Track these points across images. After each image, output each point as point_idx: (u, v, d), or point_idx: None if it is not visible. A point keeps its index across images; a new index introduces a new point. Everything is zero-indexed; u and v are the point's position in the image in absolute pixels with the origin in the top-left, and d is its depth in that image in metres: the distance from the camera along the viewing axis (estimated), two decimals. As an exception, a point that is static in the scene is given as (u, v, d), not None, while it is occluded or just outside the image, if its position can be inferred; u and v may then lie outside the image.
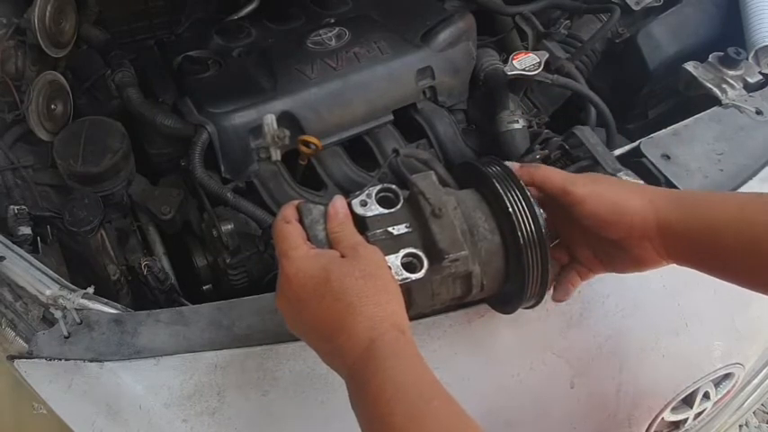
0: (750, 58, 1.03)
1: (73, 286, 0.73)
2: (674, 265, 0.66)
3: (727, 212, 0.61)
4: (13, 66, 0.90)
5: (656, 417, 0.83)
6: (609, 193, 0.65)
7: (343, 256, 0.58)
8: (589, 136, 0.87)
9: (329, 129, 0.95)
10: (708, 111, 0.95)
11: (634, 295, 0.79)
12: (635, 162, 0.88)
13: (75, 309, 0.71)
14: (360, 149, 0.99)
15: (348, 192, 0.66)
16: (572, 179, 0.67)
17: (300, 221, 0.63)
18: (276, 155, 0.88)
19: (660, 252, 0.64)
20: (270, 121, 0.85)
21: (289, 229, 0.61)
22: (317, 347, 0.59)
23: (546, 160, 0.93)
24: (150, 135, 0.95)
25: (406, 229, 0.63)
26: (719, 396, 0.88)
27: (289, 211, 0.63)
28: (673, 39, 1.13)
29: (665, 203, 0.63)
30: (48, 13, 0.87)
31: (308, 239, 0.62)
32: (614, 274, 0.73)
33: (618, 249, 0.66)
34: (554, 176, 0.67)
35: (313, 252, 0.59)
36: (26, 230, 0.80)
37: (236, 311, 0.73)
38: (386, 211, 0.64)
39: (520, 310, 0.70)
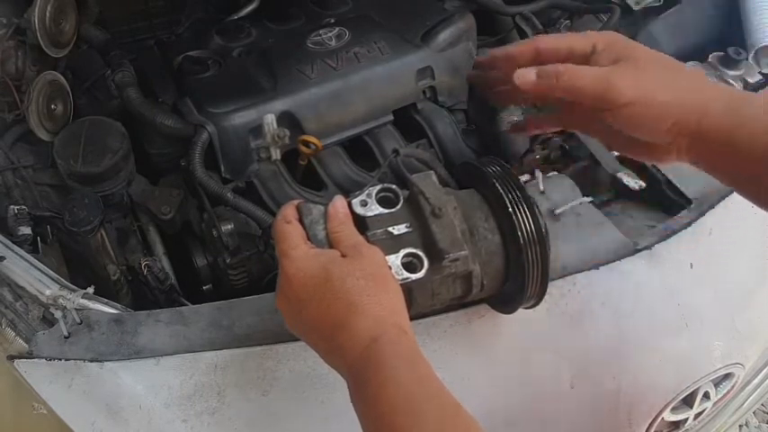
0: (750, 58, 1.03)
1: (73, 286, 0.73)
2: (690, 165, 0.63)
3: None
4: (13, 66, 0.90)
5: (656, 417, 0.83)
6: (660, 100, 0.59)
7: (343, 256, 0.58)
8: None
9: (329, 129, 0.95)
10: (708, 111, 0.95)
11: (634, 295, 0.79)
12: (635, 162, 0.87)
13: (75, 309, 0.71)
14: (360, 149, 0.99)
15: (348, 192, 0.66)
16: (612, 80, 0.59)
17: (300, 221, 0.63)
18: (276, 155, 0.88)
19: (681, 154, 0.61)
20: (270, 120, 0.85)
21: (289, 229, 0.61)
22: (317, 347, 0.59)
23: (546, 160, 0.93)
24: (150, 135, 0.95)
25: (406, 229, 0.63)
26: (719, 396, 0.88)
27: (289, 210, 0.63)
28: (673, 39, 1.13)
29: (715, 112, 0.58)
30: (48, 13, 0.87)
31: (308, 239, 0.62)
32: (613, 273, 0.73)
33: (637, 141, 0.63)
34: (588, 82, 0.59)
35: (313, 252, 0.59)
36: (26, 230, 0.80)
37: (236, 311, 0.73)
38: (386, 210, 0.64)
39: (520, 310, 0.70)
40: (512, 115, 0.99)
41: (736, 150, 0.58)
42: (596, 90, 0.59)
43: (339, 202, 0.63)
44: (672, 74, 0.61)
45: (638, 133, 0.61)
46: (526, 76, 0.62)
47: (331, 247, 0.61)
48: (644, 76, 0.59)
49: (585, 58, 0.63)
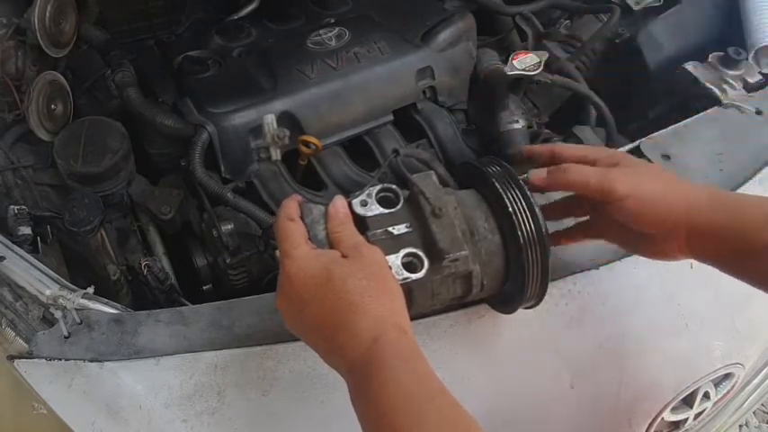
0: (750, 58, 1.03)
1: (73, 286, 0.73)
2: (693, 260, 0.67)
3: (759, 217, 0.62)
4: (13, 66, 0.90)
5: (656, 417, 0.83)
6: (650, 191, 0.65)
7: (344, 256, 0.58)
8: (589, 136, 0.88)
9: (329, 129, 0.95)
10: (708, 111, 0.95)
11: (634, 295, 0.79)
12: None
13: (75, 309, 0.71)
14: (360, 149, 0.99)
15: (348, 192, 0.66)
16: (610, 177, 0.65)
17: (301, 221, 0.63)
18: (276, 155, 0.88)
19: (683, 249, 0.66)
20: (270, 120, 0.85)
21: (291, 228, 0.60)
22: (317, 347, 0.59)
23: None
24: (150, 135, 0.95)
25: (406, 229, 0.63)
26: (719, 396, 0.88)
27: (292, 207, 0.63)
28: (673, 39, 1.13)
29: (700, 203, 0.64)
30: (48, 13, 0.87)
31: (309, 239, 0.62)
32: (613, 273, 0.73)
33: (641, 238, 0.67)
34: (590, 177, 0.66)
35: (315, 252, 0.59)
36: (26, 230, 0.80)
37: (236, 311, 0.73)
38: (386, 210, 0.64)
39: (520, 310, 0.70)
40: (512, 116, 0.99)
41: (734, 248, 0.63)
42: (597, 184, 0.65)
43: (339, 202, 0.63)
44: (661, 174, 0.67)
45: (640, 225, 0.65)
46: (539, 174, 0.69)
47: (331, 247, 0.61)
48: (636, 174, 0.66)
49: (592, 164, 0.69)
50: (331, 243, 0.61)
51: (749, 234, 0.62)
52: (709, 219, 0.63)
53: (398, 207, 0.65)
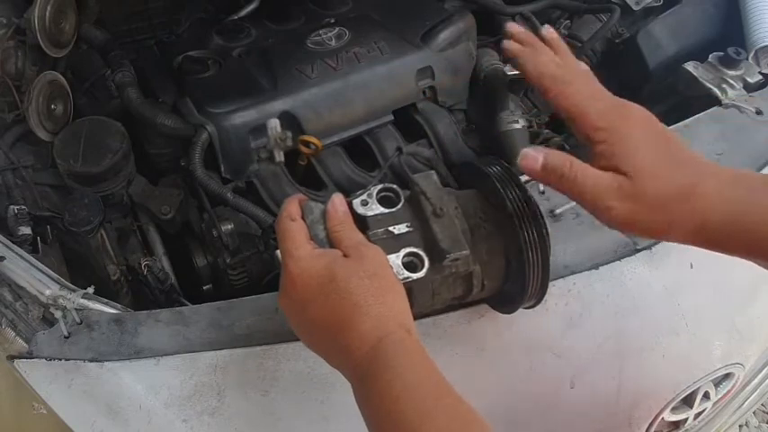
0: (750, 58, 1.03)
1: (73, 286, 0.73)
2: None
3: None
4: (13, 66, 0.90)
5: (656, 417, 0.83)
6: (649, 173, 0.57)
7: (345, 256, 0.58)
8: (589, 136, 0.87)
9: (329, 129, 0.95)
10: (708, 111, 0.95)
11: (634, 295, 0.79)
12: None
13: (75, 309, 0.71)
14: (360, 149, 0.99)
15: (348, 192, 0.66)
16: (607, 195, 0.57)
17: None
18: (279, 156, 0.88)
19: (687, 238, 0.60)
20: (273, 125, 0.86)
21: (293, 228, 0.60)
22: (320, 347, 0.59)
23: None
24: (150, 135, 0.95)
25: (407, 229, 0.63)
26: (719, 396, 0.88)
27: (293, 207, 0.62)
28: (673, 39, 1.13)
29: (715, 204, 0.57)
30: (48, 13, 0.87)
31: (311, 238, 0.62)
32: (613, 273, 0.73)
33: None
34: (585, 189, 0.58)
35: (317, 251, 0.59)
36: (26, 230, 0.80)
37: (236, 311, 0.73)
38: (387, 210, 0.64)
39: (520, 310, 0.70)
40: (512, 116, 0.99)
41: (749, 239, 0.57)
42: (591, 201, 0.59)
43: (338, 201, 0.63)
44: (662, 140, 0.59)
45: (629, 226, 0.60)
46: (534, 164, 0.60)
47: (332, 246, 0.60)
48: (637, 193, 0.57)
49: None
50: (331, 242, 0.61)
51: (758, 228, 0.56)
52: (721, 220, 0.56)
53: (399, 207, 0.65)
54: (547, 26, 0.71)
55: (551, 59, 0.66)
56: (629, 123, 0.59)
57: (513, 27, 0.68)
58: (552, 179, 0.60)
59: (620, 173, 0.57)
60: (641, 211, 0.57)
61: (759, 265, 0.60)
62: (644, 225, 0.58)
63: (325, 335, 0.57)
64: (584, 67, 0.69)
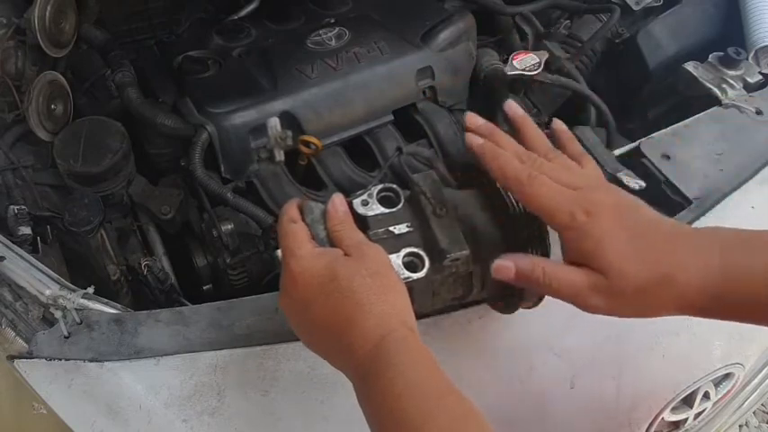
0: (750, 58, 1.03)
1: (73, 286, 0.73)
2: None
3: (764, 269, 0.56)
4: (13, 66, 0.89)
5: (656, 417, 0.83)
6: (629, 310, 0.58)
7: (346, 255, 0.58)
8: (589, 136, 0.87)
9: (329, 129, 0.95)
10: (708, 111, 0.95)
11: (634, 295, 0.79)
12: (635, 162, 0.88)
13: (75, 309, 0.71)
14: (360, 149, 0.99)
15: (348, 192, 0.66)
16: (584, 295, 0.58)
17: (302, 221, 0.63)
18: (280, 156, 0.88)
19: (680, 313, 0.59)
20: (273, 124, 0.86)
21: (294, 228, 0.60)
22: (321, 347, 0.59)
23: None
24: (150, 135, 0.95)
25: (407, 229, 0.63)
26: (719, 396, 0.88)
27: (293, 210, 0.63)
28: (673, 39, 1.13)
29: (697, 284, 0.56)
30: (48, 13, 0.87)
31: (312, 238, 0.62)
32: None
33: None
34: (560, 288, 0.59)
35: (318, 251, 0.59)
36: (26, 230, 0.80)
37: (236, 311, 0.73)
38: (387, 210, 0.64)
39: (520, 310, 0.70)
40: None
41: (742, 309, 0.57)
42: (570, 301, 0.59)
43: (338, 200, 0.63)
44: (638, 224, 0.59)
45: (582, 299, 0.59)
46: (507, 273, 0.60)
47: (332, 245, 0.60)
48: (613, 290, 0.57)
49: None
50: (332, 242, 0.61)
51: (755, 296, 0.55)
52: (715, 295, 0.56)
53: (399, 206, 0.65)
54: (509, 102, 0.68)
55: (514, 153, 0.62)
56: (595, 219, 0.57)
57: (472, 120, 0.65)
58: (528, 284, 0.60)
59: (593, 270, 0.57)
60: (622, 304, 0.57)
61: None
62: (631, 313, 0.59)
63: (327, 334, 0.57)
64: (548, 146, 0.65)
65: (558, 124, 0.69)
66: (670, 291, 0.56)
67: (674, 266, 0.56)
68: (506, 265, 0.60)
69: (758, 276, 0.56)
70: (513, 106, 0.68)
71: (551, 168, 0.61)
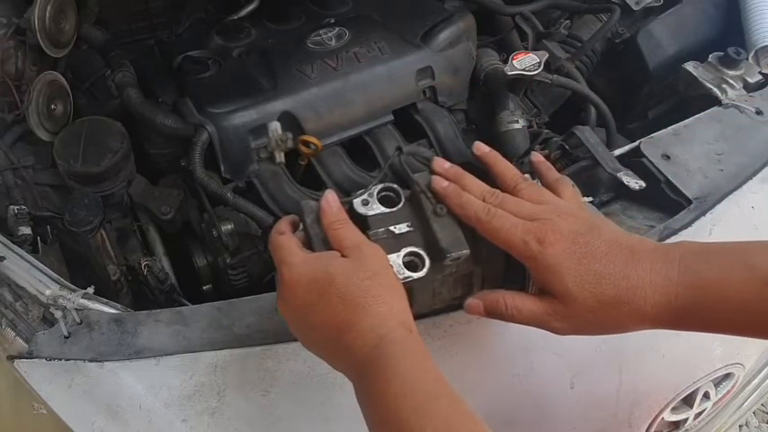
0: (750, 58, 1.03)
1: (73, 286, 0.73)
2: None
3: (736, 280, 0.57)
4: (13, 66, 0.89)
5: (656, 417, 0.83)
6: (591, 328, 0.62)
7: (344, 256, 0.58)
8: (589, 136, 0.87)
9: (329, 129, 0.95)
10: (708, 111, 0.95)
11: (634, 295, 0.79)
12: (635, 162, 0.88)
13: (75, 309, 0.71)
14: (360, 149, 0.99)
15: (348, 192, 0.66)
16: (544, 320, 0.61)
17: (302, 221, 0.63)
18: (280, 157, 0.89)
19: (645, 327, 0.62)
20: (274, 128, 0.86)
21: (282, 239, 0.61)
22: (322, 349, 0.59)
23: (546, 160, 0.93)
24: (150, 135, 0.94)
25: (407, 228, 0.63)
26: (719, 396, 0.88)
27: (282, 223, 0.64)
28: (673, 39, 1.13)
29: (669, 297, 0.58)
30: (48, 13, 0.87)
31: (310, 239, 0.62)
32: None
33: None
34: (523, 316, 0.62)
35: (312, 255, 0.59)
36: (26, 230, 0.80)
37: (236, 311, 0.73)
38: (387, 210, 0.64)
39: (520, 310, 0.70)
40: (512, 116, 0.99)
41: (707, 320, 0.59)
42: (537, 326, 0.63)
43: (330, 197, 0.63)
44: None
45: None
46: (478, 310, 0.64)
47: (331, 244, 0.60)
48: (571, 313, 0.61)
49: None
50: (330, 241, 0.61)
51: (725, 305, 0.57)
52: (685, 306, 0.58)
53: (400, 206, 0.65)
54: (476, 143, 0.72)
55: (479, 192, 0.65)
56: (548, 249, 0.59)
57: (439, 164, 0.68)
58: (497, 317, 0.63)
59: (551, 296, 0.61)
60: (580, 325, 0.61)
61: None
62: (594, 331, 0.63)
63: (327, 336, 0.57)
64: (518, 178, 0.67)
65: (536, 156, 0.72)
66: (622, 310, 0.59)
67: (627, 287, 0.58)
68: (475, 303, 0.64)
69: (721, 284, 0.57)
70: (480, 146, 0.72)
71: (514, 203, 0.64)
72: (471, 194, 0.64)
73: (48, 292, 0.72)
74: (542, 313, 0.61)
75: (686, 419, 0.87)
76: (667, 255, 0.60)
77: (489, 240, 0.62)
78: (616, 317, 0.60)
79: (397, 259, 0.61)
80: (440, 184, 0.65)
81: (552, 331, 0.62)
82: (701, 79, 1.00)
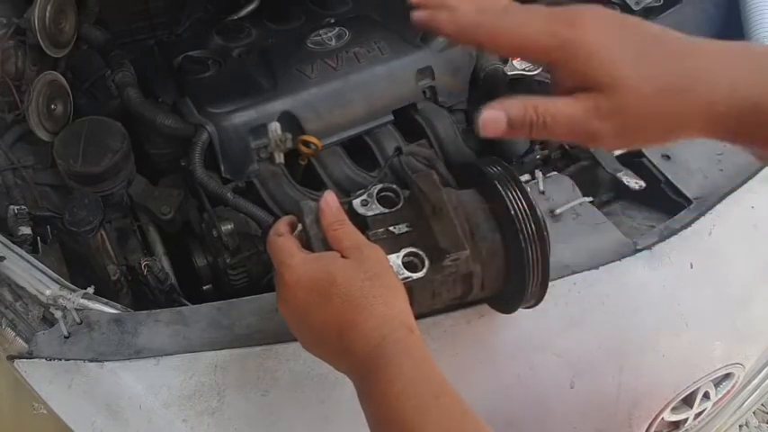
0: (750, 58, 1.02)
1: (73, 286, 0.73)
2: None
3: None
4: (13, 66, 0.89)
5: (656, 417, 0.83)
6: (642, 137, 0.49)
7: (344, 257, 0.58)
8: (589, 136, 0.87)
9: (329, 129, 0.95)
10: (708, 111, 0.95)
11: (634, 295, 0.79)
12: (635, 162, 0.88)
13: (75, 309, 0.71)
14: (360, 149, 0.99)
15: (348, 192, 0.66)
16: (587, 127, 0.48)
17: (301, 221, 0.63)
18: (279, 158, 0.89)
19: (701, 133, 0.49)
20: (274, 128, 0.86)
21: (281, 241, 0.61)
22: (323, 350, 0.59)
23: (546, 160, 0.93)
24: (150, 135, 0.95)
25: (407, 229, 0.63)
26: (719, 396, 0.88)
27: (280, 225, 0.63)
28: (673, 39, 1.13)
29: (737, 95, 0.47)
30: (48, 13, 0.87)
31: (309, 240, 0.62)
32: (613, 273, 0.72)
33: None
34: (560, 130, 0.49)
35: (312, 256, 0.59)
36: (26, 230, 0.80)
37: (236, 311, 0.73)
38: (387, 210, 0.64)
39: (520, 310, 0.70)
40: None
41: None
42: (574, 137, 0.51)
43: (329, 197, 0.62)
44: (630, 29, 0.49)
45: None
46: (498, 127, 0.51)
47: (331, 245, 0.60)
48: (619, 104, 0.48)
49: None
50: (330, 241, 0.60)
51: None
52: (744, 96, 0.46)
53: (399, 206, 0.65)
54: None
55: (469, 8, 0.53)
56: (580, 29, 0.48)
57: None
58: (523, 133, 0.51)
59: (590, 91, 0.48)
60: (632, 121, 0.48)
61: None
62: (644, 135, 0.50)
63: (328, 337, 0.57)
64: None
65: None
66: (685, 98, 0.47)
67: (694, 68, 0.47)
68: (494, 117, 0.51)
69: None
70: None
71: (514, 7, 0.52)
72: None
73: (48, 292, 0.72)
74: (582, 114, 0.48)
75: (686, 419, 0.87)
76: (735, 49, 0.49)
77: (489, 241, 0.62)
78: (675, 109, 0.48)
79: (396, 259, 0.61)
80: (418, 15, 0.55)
81: (592, 138, 0.49)
82: (701, 79, 1.00)
